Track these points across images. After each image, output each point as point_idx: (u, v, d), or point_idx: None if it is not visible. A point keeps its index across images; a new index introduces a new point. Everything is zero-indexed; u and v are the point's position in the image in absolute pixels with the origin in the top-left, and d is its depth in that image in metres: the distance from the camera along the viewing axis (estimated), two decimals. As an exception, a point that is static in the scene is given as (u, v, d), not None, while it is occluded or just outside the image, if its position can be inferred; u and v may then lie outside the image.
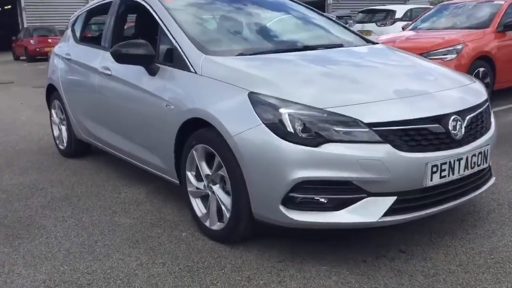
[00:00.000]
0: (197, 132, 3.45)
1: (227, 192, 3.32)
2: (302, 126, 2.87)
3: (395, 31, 12.62)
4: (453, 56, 7.60)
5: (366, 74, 3.45)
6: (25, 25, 28.80)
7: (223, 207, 3.33)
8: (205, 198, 3.59)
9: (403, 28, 10.35)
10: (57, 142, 5.99)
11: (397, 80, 3.38)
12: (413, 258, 3.15)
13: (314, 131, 2.86)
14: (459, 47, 7.70)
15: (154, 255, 3.31)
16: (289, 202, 2.93)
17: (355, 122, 2.86)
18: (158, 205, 4.21)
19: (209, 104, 3.29)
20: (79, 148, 5.69)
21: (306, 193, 2.90)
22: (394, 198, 2.90)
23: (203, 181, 3.52)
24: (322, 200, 2.91)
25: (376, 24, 16.97)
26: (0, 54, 29.94)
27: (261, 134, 2.95)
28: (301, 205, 2.93)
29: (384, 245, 3.32)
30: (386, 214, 2.89)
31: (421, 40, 8.29)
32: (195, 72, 3.54)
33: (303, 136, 2.86)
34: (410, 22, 10.86)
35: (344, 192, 2.89)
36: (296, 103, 2.95)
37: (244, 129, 3.02)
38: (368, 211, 2.88)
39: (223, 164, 3.21)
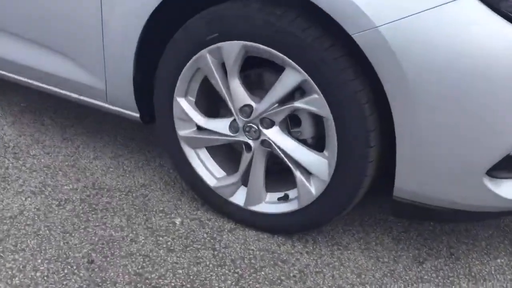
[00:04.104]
0: (220, 8, 1.51)
1: (309, 145, 1.59)
2: None
3: None
4: None
5: None
6: None
7: (297, 173, 1.59)
8: (223, 150, 1.77)
9: None
10: None
11: None
12: None
13: None
14: None
15: (167, 300, 1.49)
16: (500, 169, 1.38)
17: None
18: (84, 149, 2.15)
19: None
20: None
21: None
22: None
23: (226, 116, 1.67)
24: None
25: None
26: None
27: (463, 20, 1.25)
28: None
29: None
30: None
31: None
32: None
33: None
34: None
35: None
36: None
37: (412, 10, 1.26)
38: None
39: (320, 89, 1.43)
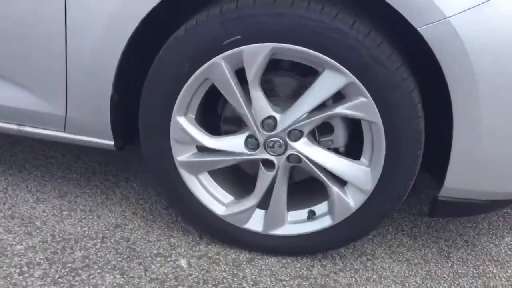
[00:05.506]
0: (241, 6, 1.24)
1: (341, 154, 1.43)
2: None
3: None
4: None
5: None
6: None
7: (333, 187, 1.41)
8: (225, 171, 1.50)
9: None
10: None
11: None
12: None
13: None
14: None
15: None
16: None
17: None
18: (16, 191, 1.66)
19: None
20: None
21: None
22: None
23: (234, 131, 1.42)
24: None
25: None
26: None
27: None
28: None
29: None
30: None
31: None
32: None
33: None
34: None
35: None
36: None
37: (483, -3, 1.16)
38: None
39: (369, 91, 1.26)
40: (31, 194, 1.71)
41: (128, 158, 1.95)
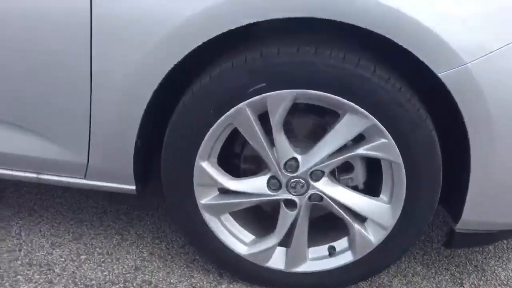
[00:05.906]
0: (267, 56, 1.27)
1: (360, 191, 1.46)
2: None
3: None
4: None
5: None
6: None
7: (355, 224, 1.44)
8: (245, 210, 1.52)
9: None
10: None
11: None
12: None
13: None
14: None
15: None
16: None
17: None
18: (29, 236, 1.63)
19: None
20: None
21: None
22: None
23: (253, 173, 1.45)
24: None
25: None
26: None
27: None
28: None
29: None
30: None
31: None
32: None
33: None
34: None
35: None
36: None
37: (498, 44, 1.22)
38: None
39: (391, 133, 1.30)
40: (46, 238, 1.70)
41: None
